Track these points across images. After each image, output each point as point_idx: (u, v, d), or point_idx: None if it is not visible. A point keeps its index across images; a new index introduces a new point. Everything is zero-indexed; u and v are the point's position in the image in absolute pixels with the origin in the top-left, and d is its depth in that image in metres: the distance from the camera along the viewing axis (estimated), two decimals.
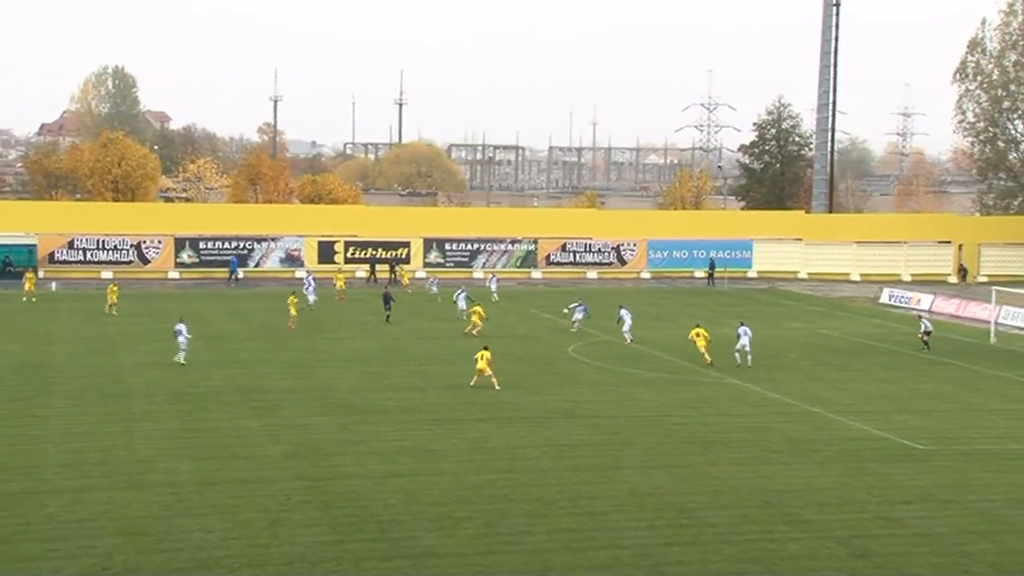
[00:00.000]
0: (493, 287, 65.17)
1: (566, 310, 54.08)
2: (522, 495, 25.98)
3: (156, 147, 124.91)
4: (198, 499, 25.23)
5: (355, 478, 27.17)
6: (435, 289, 63.36)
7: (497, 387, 37.59)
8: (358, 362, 43.52)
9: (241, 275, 72.46)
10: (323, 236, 76.95)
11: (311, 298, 57.97)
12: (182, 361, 41.24)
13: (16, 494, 25.37)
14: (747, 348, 43.24)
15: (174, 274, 73.81)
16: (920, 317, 52.03)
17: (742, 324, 44.93)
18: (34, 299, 59.67)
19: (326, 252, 76.55)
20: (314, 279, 62.57)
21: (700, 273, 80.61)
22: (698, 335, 43.82)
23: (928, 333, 49.37)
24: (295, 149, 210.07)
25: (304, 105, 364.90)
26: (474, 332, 49.13)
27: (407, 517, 24.30)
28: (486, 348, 38.55)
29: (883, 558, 22.46)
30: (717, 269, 77.67)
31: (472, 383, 38.09)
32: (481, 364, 37.68)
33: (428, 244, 78.66)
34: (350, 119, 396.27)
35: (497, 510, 24.84)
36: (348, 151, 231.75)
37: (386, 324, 53.24)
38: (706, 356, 43.34)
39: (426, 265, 78.18)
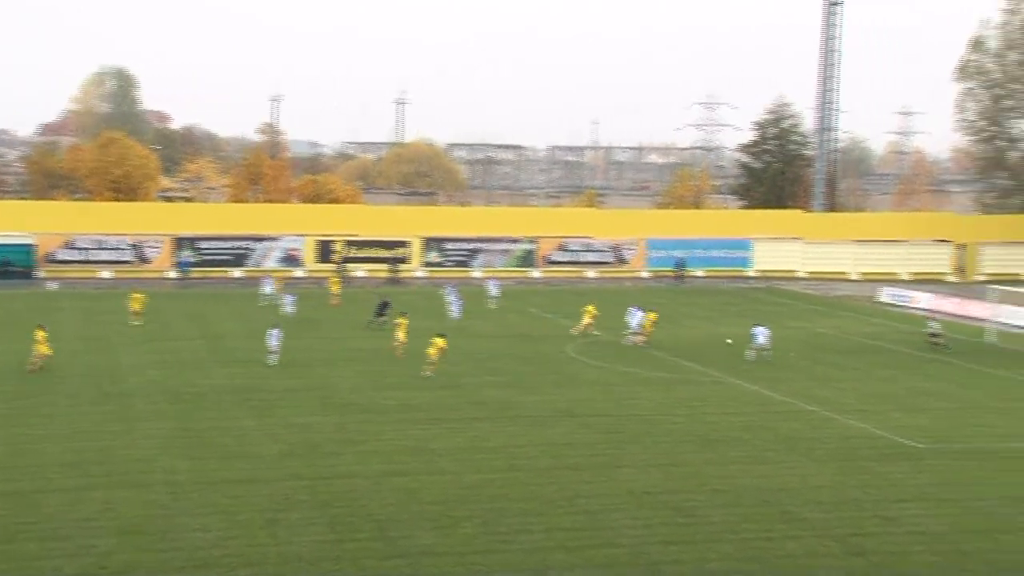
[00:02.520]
0: (493, 292, 61.64)
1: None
2: (520, 494, 26.07)
3: (156, 147, 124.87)
4: (196, 498, 25.33)
5: (353, 477, 27.25)
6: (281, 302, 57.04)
7: (428, 374, 39.53)
8: (357, 361, 43.57)
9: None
10: (323, 236, 77.02)
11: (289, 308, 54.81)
12: (270, 363, 41.55)
13: (18, 493, 25.47)
14: (766, 346, 44.80)
15: (173, 273, 73.85)
16: (928, 320, 52.06)
17: (757, 325, 46.09)
18: None
19: (325, 252, 76.60)
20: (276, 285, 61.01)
21: (699, 272, 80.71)
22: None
23: (935, 335, 49.51)
24: (296, 149, 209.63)
25: (305, 105, 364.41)
26: (586, 331, 49.86)
27: (405, 516, 24.38)
28: (441, 336, 40.71)
29: (880, 556, 22.54)
30: (684, 268, 77.70)
31: (427, 373, 39.73)
32: (431, 350, 39.93)
33: (428, 243, 78.73)
34: (351, 119, 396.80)
35: (495, 509, 24.93)
36: (349, 151, 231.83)
37: (385, 325, 52.87)
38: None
39: (426, 264, 78.32)
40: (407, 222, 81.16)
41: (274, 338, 42.10)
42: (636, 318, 49.11)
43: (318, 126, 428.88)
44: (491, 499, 25.67)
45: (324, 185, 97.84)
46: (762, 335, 45.12)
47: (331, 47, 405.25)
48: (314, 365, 42.54)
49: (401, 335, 44.42)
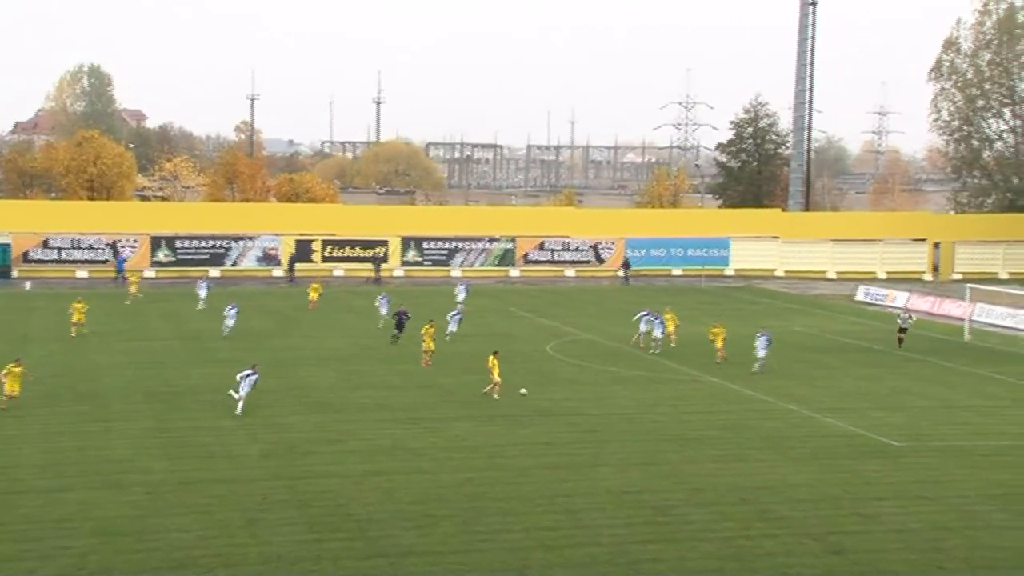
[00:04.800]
0: (460, 296, 57.84)
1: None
2: (499, 493, 26.02)
3: (132, 145, 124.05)
4: (174, 499, 25.13)
5: (333, 477, 27.13)
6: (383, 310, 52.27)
7: (495, 394, 36.52)
8: (335, 360, 43.41)
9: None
10: (300, 235, 76.75)
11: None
12: (238, 405, 33.67)
13: None
14: (760, 354, 42.18)
15: (150, 273, 73.37)
16: (900, 316, 51.89)
17: (761, 331, 43.81)
18: None
19: (303, 251, 76.37)
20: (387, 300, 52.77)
21: (677, 271, 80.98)
22: (715, 334, 44.79)
23: (903, 331, 49.67)
24: (272, 148, 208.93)
25: (281, 104, 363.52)
26: (671, 343, 46.22)
27: (385, 516, 24.29)
28: (495, 353, 37.51)
29: (858, 554, 22.61)
30: (630, 268, 77.56)
31: (488, 391, 36.77)
32: (494, 372, 36.56)
33: (406, 243, 78.60)
34: (328, 118, 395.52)
35: (474, 508, 24.87)
36: (326, 150, 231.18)
37: (378, 327, 50.55)
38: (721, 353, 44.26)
39: (404, 264, 78.18)
40: (386, 221, 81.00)
41: (245, 384, 33.70)
42: (656, 326, 46.68)
43: (295, 125, 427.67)
44: (470, 498, 25.61)
45: (301, 184, 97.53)
46: (762, 345, 42.33)
47: (308, 46, 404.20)
48: (293, 365, 42.34)
49: (429, 343, 41.93)
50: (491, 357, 37.07)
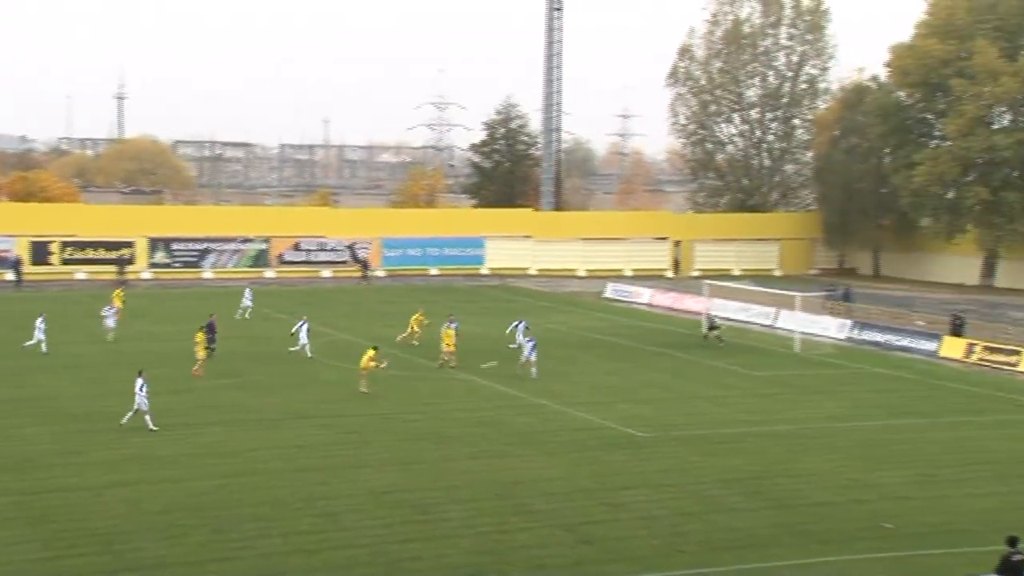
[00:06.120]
0: (247, 301, 56.80)
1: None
2: (255, 499, 25.51)
3: None
4: None
5: (72, 490, 25.79)
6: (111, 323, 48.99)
7: (364, 389, 37.25)
8: (79, 368, 41.24)
9: None
10: (37, 236, 72.33)
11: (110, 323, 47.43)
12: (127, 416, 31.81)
13: None
14: (531, 358, 41.42)
15: None
16: (707, 316, 53.56)
17: (529, 337, 43.43)
18: None
19: (40, 253, 72.01)
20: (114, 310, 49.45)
21: (434, 271, 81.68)
22: (447, 335, 43.53)
23: (712, 328, 51.72)
24: (2, 144, 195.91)
25: (11, 97, 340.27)
26: (414, 341, 46.32)
27: (131, 528, 23.32)
28: (375, 348, 38.52)
29: (607, 542, 23.56)
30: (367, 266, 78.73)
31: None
32: (364, 361, 37.52)
33: (154, 243, 75.54)
34: (64, 113, 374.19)
35: (230, 516, 24.26)
36: (63, 147, 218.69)
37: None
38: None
39: (152, 265, 75.09)
40: (131, 221, 77.55)
41: (140, 395, 31.67)
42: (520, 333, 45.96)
43: (27, 120, 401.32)
44: (225, 505, 24.96)
45: (36, 182, 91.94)
46: (529, 348, 41.76)
47: (41, 35, 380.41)
48: (32, 373, 39.89)
49: (201, 351, 40.38)
50: (370, 351, 37.80)
